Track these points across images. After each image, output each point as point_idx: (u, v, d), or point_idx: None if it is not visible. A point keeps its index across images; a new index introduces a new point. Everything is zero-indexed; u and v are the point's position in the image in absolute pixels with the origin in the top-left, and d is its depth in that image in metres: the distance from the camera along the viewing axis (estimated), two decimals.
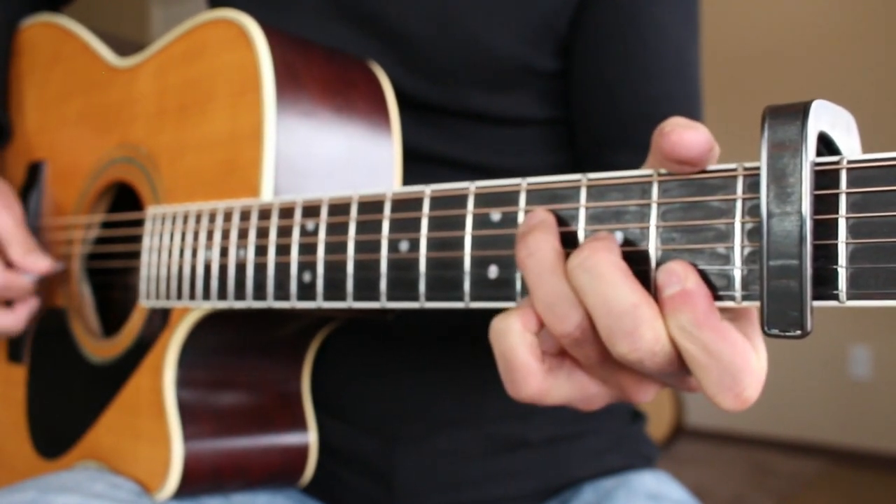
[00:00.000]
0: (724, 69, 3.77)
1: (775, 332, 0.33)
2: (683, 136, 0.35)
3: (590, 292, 0.36)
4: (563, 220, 0.40)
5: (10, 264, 0.70)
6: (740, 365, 0.34)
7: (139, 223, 0.66)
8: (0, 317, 0.70)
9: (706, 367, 0.34)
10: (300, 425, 0.67)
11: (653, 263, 0.37)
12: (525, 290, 0.40)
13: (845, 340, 3.67)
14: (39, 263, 0.70)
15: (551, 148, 0.73)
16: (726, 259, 0.35)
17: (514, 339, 0.39)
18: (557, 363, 0.40)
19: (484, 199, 0.42)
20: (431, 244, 0.44)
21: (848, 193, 0.32)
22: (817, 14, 3.75)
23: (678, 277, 0.35)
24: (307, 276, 0.49)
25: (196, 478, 0.60)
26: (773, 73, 3.81)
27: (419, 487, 0.70)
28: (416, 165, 0.68)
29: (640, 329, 0.35)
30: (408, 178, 0.65)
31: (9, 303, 0.72)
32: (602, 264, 0.35)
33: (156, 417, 0.61)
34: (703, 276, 0.35)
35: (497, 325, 0.39)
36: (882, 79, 3.56)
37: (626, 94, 0.69)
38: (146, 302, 0.62)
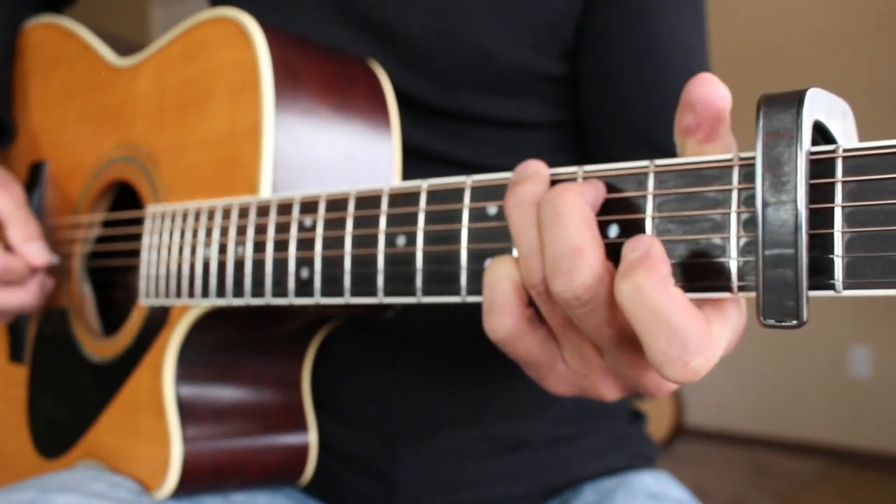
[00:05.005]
0: (726, 67, 3.77)
1: (772, 322, 0.32)
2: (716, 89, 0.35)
3: (545, 228, 0.37)
4: None
5: (9, 247, 0.67)
6: (690, 332, 0.33)
7: (139, 222, 0.66)
8: (9, 296, 0.67)
9: (654, 332, 0.34)
10: (300, 425, 0.67)
11: None
12: None
13: (845, 340, 3.66)
14: (36, 256, 0.67)
15: (557, 150, 0.73)
16: (722, 250, 0.35)
17: (503, 270, 0.40)
18: (539, 321, 0.41)
19: (480, 193, 0.42)
20: (428, 238, 0.44)
21: (844, 182, 0.32)
22: (819, 12, 3.76)
23: (644, 244, 0.35)
24: (305, 273, 0.49)
25: (195, 477, 0.60)
26: (775, 70, 3.82)
27: (420, 488, 0.70)
28: (419, 165, 0.68)
29: (574, 272, 0.35)
30: (410, 178, 0.65)
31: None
32: (562, 204, 0.36)
33: (155, 416, 0.61)
34: (699, 266, 0.36)
35: (495, 257, 0.41)
36: (883, 76, 3.56)
37: (635, 97, 0.69)
38: (146, 300, 0.62)
